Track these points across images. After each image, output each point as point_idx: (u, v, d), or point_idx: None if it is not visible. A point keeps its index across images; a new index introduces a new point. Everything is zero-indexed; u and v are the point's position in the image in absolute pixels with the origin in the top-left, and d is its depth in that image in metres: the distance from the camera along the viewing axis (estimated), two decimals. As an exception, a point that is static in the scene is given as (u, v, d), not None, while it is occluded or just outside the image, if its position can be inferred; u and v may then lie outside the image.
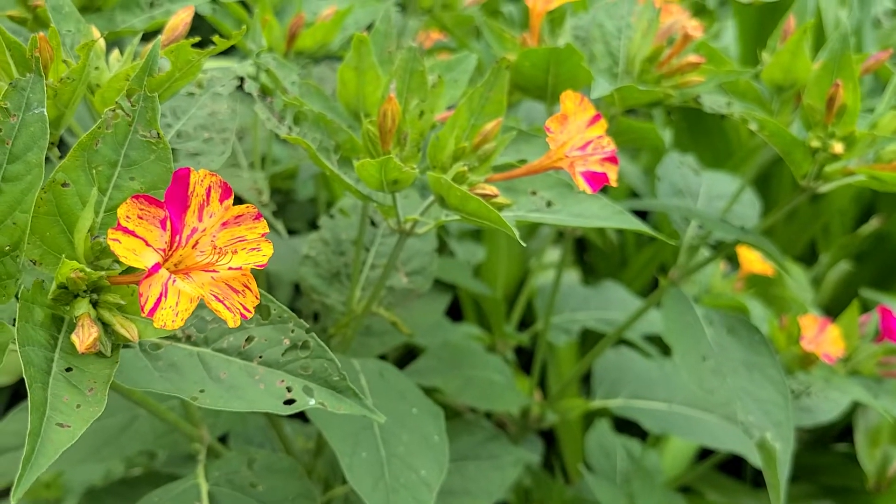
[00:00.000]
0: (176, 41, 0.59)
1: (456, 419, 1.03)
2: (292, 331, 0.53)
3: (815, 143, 0.75)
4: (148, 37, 0.70)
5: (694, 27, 0.77)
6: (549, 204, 0.67)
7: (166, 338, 0.53)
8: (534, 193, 0.67)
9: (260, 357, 0.53)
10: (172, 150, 0.57)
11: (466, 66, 0.75)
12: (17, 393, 1.50)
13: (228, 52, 1.14)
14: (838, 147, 0.73)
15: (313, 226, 1.30)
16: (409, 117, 0.62)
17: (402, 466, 0.66)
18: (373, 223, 0.89)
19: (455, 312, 1.54)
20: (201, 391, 0.50)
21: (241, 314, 0.43)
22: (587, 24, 0.89)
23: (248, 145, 1.01)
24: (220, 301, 0.42)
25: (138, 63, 0.56)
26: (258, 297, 0.44)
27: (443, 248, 1.48)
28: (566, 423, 1.36)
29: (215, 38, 0.57)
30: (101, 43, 0.60)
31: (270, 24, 0.87)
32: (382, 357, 0.92)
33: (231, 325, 0.42)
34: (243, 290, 0.44)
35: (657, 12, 0.81)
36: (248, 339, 0.53)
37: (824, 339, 1.07)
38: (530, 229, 1.77)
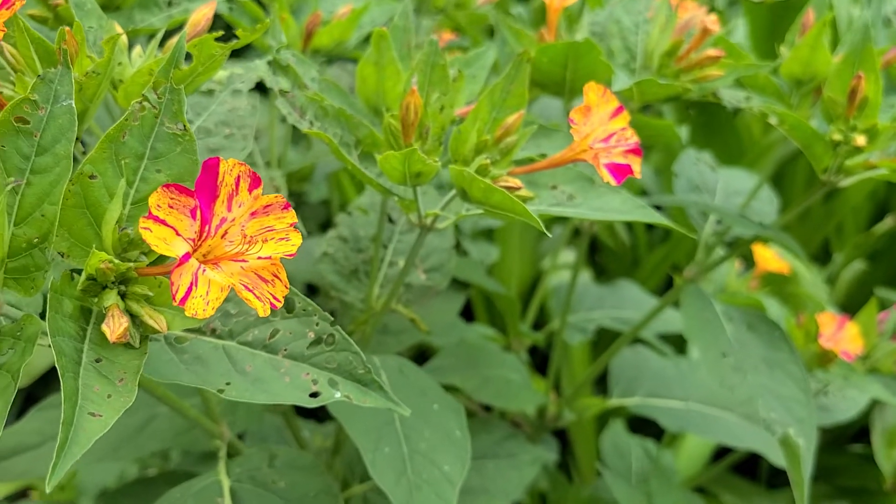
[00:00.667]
0: (198, 36, 0.59)
1: (474, 418, 1.02)
2: (317, 324, 0.53)
3: (837, 137, 0.74)
4: (166, 36, 0.70)
5: (712, 21, 0.77)
6: (570, 198, 0.67)
7: (191, 331, 0.52)
8: (555, 187, 0.67)
9: (285, 350, 0.52)
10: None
11: (484, 62, 0.75)
12: (30, 396, 1.50)
13: (243, 53, 1.15)
14: (861, 140, 0.72)
15: (325, 228, 1.30)
16: (431, 111, 0.62)
17: (424, 462, 0.66)
18: (391, 220, 0.89)
19: (466, 314, 1.54)
20: (227, 383, 0.50)
21: (271, 304, 0.43)
22: (604, 20, 0.88)
23: (263, 145, 1.01)
24: (249, 290, 0.42)
25: (162, 57, 0.56)
26: (287, 286, 0.44)
27: (456, 248, 1.48)
28: (579, 423, 1.36)
29: (239, 31, 0.57)
30: (124, 39, 0.60)
31: (287, 23, 0.87)
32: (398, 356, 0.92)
33: (261, 314, 0.42)
34: (273, 280, 0.44)
35: (674, 8, 0.81)
36: (273, 333, 0.53)
37: (843, 336, 1.06)
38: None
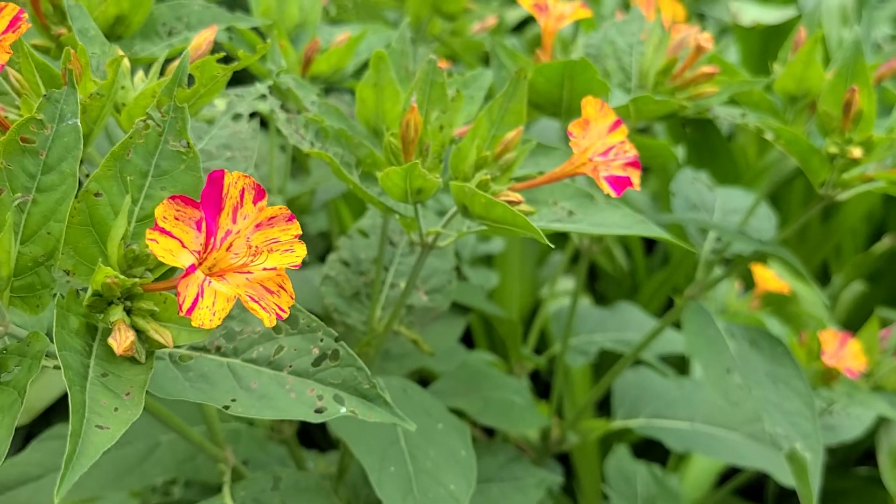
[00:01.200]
0: (200, 59, 0.59)
1: (478, 442, 1.02)
2: (321, 340, 0.53)
3: (833, 149, 0.75)
4: (168, 63, 0.71)
5: (706, 39, 0.78)
6: (570, 214, 0.67)
7: (196, 349, 0.52)
8: (555, 204, 0.67)
9: (290, 367, 0.52)
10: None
11: (482, 83, 0.75)
12: (29, 435, 1.49)
13: (244, 82, 1.16)
14: (857, 151, 0.73)
15: (324, 259, 1.31)
16: (431, 129, 0.62)
17: (430, 481, 0.66)
18: (391, 243, 0.89)
19: (467, 342, 1.54)
20: (233, 400, 0.50)
21: (277, 314, 0.43)
22: (598, 42, 0.90)
23: (262, 173, 1.02)
24: (255, 301, 0.42)
25: (165, 80, 0.57)
26: (293, 296, 0.44)
27: (457, 273, 1.48)
28: (583, 448, 1.35)
29: (240, 53, 0.58)
30: (126, 63, 0.60)
31: (286, 50, 0.88)
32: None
33: (267, 324, 0.42)
34: (278, 291, 0.44)
35: (667, 29, 0.82)
36: (278, 349, 0.53)
37: (845, 354, 1.06)
38: (541, 257, 1.77)
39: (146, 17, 0.77)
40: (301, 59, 0.90)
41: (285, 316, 0.43)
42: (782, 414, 0.82)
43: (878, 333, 1.10)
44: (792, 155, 0.79)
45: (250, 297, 0.42)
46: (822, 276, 1.91)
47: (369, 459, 0.65)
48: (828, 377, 1.05)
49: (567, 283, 1.77)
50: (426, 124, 0.62)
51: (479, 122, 0.62)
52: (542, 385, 1.57)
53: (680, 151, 1.85)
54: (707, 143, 1.82)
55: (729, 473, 1.45)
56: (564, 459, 1.42)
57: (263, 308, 0.43)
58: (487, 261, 1.64)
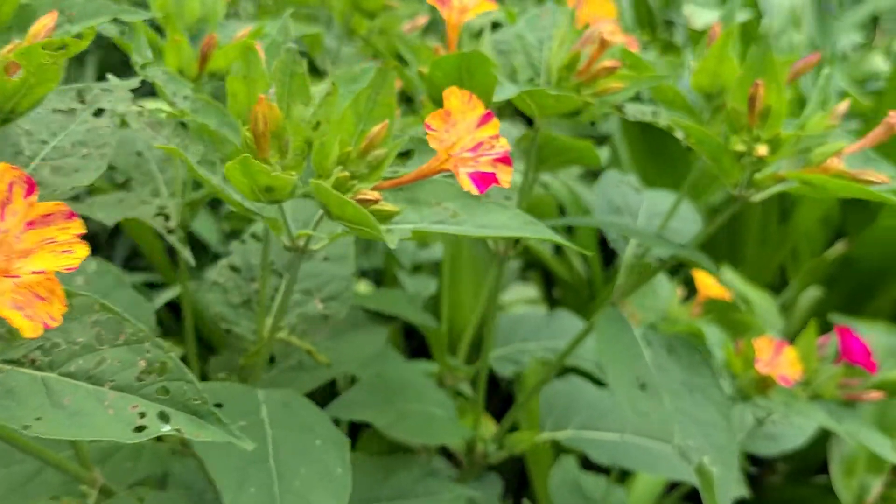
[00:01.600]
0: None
1: (395, 455, 0.97)
2: (148, 352, 0.48)
3: (740, 147, 0.71)
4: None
5: (610, 32, 0.74)
6: (454, 215, 0.63)
7: (9, 362, 0.48)
8: (438, 204, 0.63)
9: (112, 381, 0.48)
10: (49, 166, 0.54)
11: (368, 80, 0.71)
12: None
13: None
14: (762, 150, 0.69)
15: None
16: (291, 123, 0.58)
17: (297, 502, 0.61)
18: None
19: (423, 352, 1.49)
20: (37, 419, 0.45)
21: (45, 323, 0.39)
22: (510, 38, 0.86)
23: (167, 175, 0.97)
24: (17, 309, 0.38)
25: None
26: (65, 304, 0.40)
27: (393, 282, 1.44)
28: (536, 458, 1.30)
29: (66, 39, 0.53)
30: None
31: (180, 46, 0.84)
32: (313, 393, 0.87)
33: (29, 334, 0.38)
34: (49, 297, 0.39)
35: (572, 20, 0.78)
36: (100, 362, 0.48)
37: (780, 361, 1.02)
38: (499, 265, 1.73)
39: (16, 9, 0.73)
40: (198, 55, 0.86)
41: (55, 325, 0.39)
42: (696, 425, 0.78)
43: (815, 340, 1.06)
44: (704, 154, 0.75)
45: (14, 303, 0.38)
46: (781, 282, 1.88)
47: (225, 479, 0.61)
48: (762, 385, 1.02)
49: (523, 291, 1.73)
50: (287, 118, 0.58)
51: (343, 115, 0.58)
52: (500, 396, 1.52)
53: (638, 156, 1.81)
54: (664, 152, 1.79)
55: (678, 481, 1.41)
56: (522, 469, 1.38)
57: (28, 317, 0.38)
58: (436, 267, 1.59)
